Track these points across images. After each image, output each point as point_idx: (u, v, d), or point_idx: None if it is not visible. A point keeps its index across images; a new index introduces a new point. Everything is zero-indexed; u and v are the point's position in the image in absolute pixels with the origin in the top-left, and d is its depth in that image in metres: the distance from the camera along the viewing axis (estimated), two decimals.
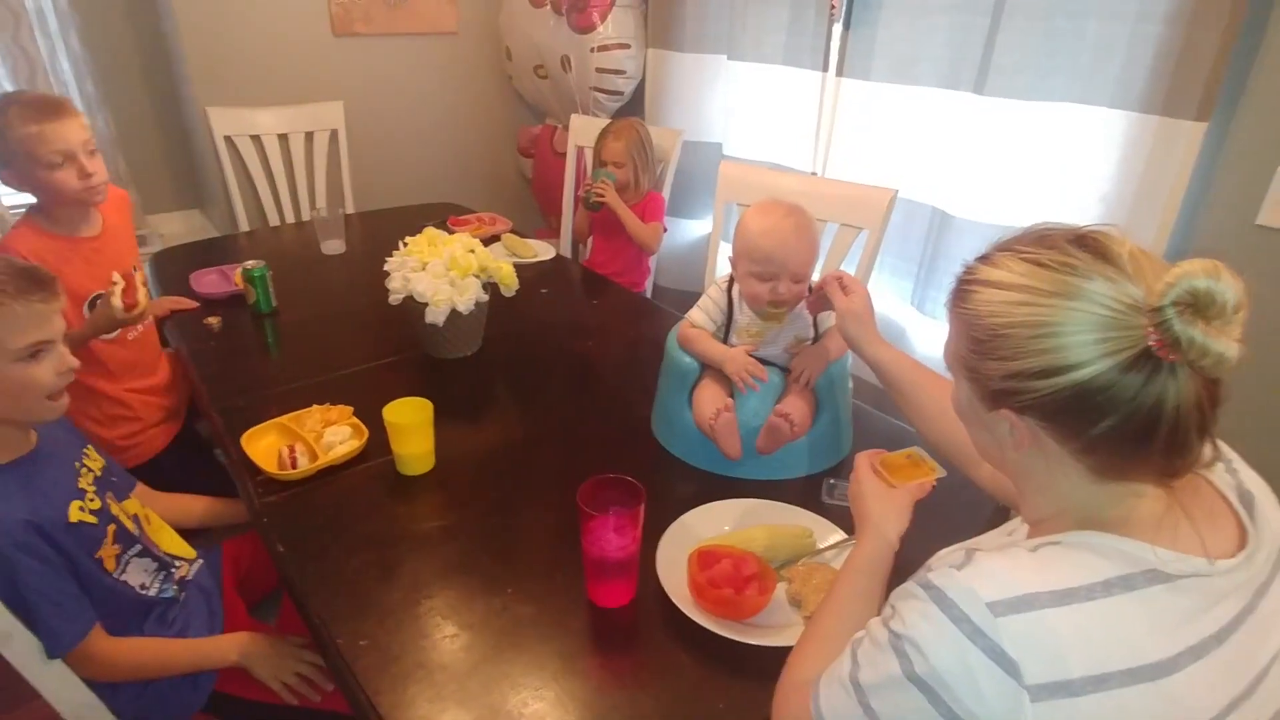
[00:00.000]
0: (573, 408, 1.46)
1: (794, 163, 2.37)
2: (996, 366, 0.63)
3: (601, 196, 2.13)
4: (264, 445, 1.23)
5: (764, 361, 1.25)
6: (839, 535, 1.05)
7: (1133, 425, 0.58)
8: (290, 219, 2.71)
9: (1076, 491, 0.64)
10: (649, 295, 2.49)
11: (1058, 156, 1.79)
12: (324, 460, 1.18)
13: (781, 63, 2.30)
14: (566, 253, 2.56)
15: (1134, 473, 0.62)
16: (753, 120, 2.45)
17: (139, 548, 1.11)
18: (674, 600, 0.93)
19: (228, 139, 2.58)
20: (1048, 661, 0.56)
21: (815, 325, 1.25)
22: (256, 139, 2.63)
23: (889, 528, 0.84)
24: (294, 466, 1.18)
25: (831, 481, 1.19)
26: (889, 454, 0.92)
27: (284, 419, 1.27)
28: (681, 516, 1.06)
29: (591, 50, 2.68)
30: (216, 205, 2.83)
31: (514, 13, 2.93)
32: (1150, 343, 0.56)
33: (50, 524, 0.98)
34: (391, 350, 1.60)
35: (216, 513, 1.34)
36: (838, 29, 2.15)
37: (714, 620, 0.90)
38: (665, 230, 2.33)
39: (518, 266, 1.62)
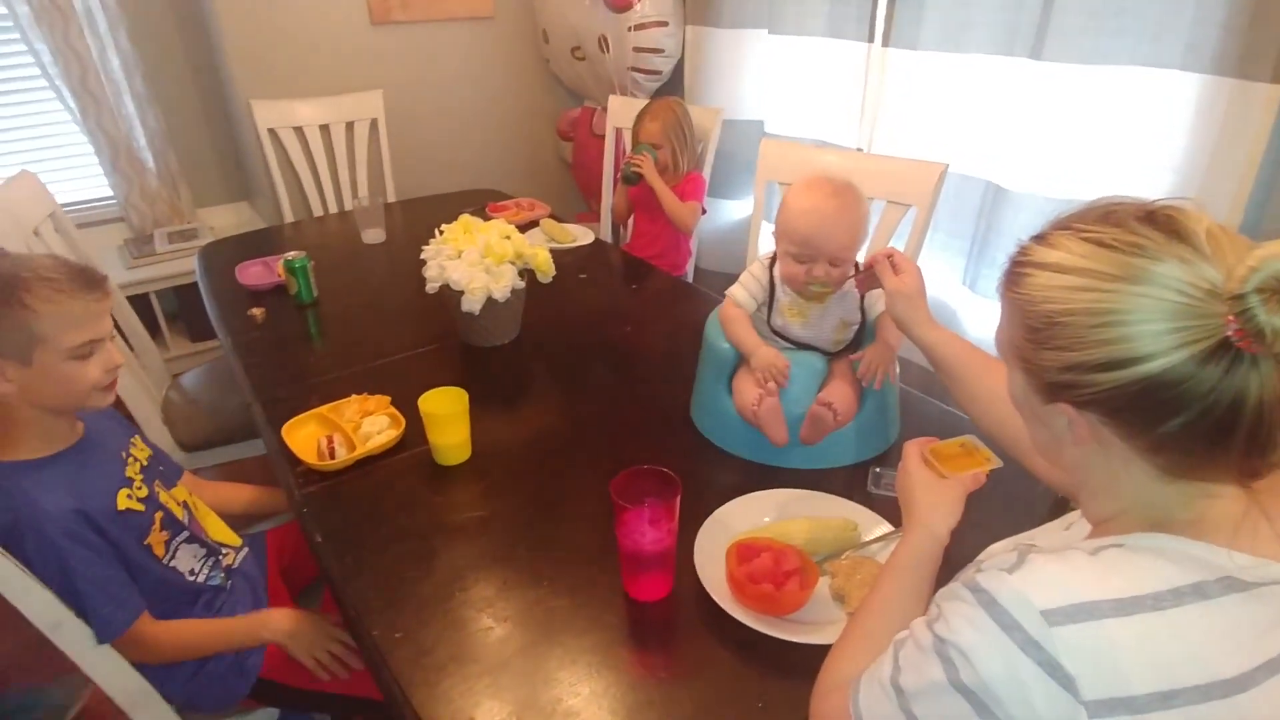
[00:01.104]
0: (611, 395, 1.43)
1: (838, 139, 2.29)
2: (1054, 357, 0.58)
3: (639, 168, 2.09)
4: (304, 435, 1.24)
5: (807, 346, 1.20)
6: (885, 528, 1.00)
7: (1208, 422, 0.53)
8: (334, 209, 2.74)
9: (1143, 491, 0.59)
10: (690, 278, 2.45)
11: (1122, 124, 1.68)
12: (362, 451, 1.18)
13: (825, 34, 2.22)
14: (607, 236, 2.53)
15: (1209, 472, 0.56)
16: (795, 96, 2.38)
17: (186, 534, 1.13)
18: (712, 594, 0.90)
19: (271, 131, 2.61)
20: (1108, 676, 0.51)
21: (863, 308, 1.20)
22: (299, 130, 2.66)
23: (938, 521, 0.79)
24: (332, 457, 1.18)
25: (878, 470, 1.14)
26: (940, 442, 0.87)
27: (323, 409, 1.28)
28: (720, 508, 1.03)
29: (629, 29, 2.63)
30: (263, 197, 2.88)
31: None
32: (1229, 333, 0.50)
33: (99, 512, 1.00)
34: (429, 339, 1.59)
35: (261, 501, 1.36)
36: None
37: (753, 616, 0.87)
38: (705, 211, 2.28)
39: (556, 252, 1.60)
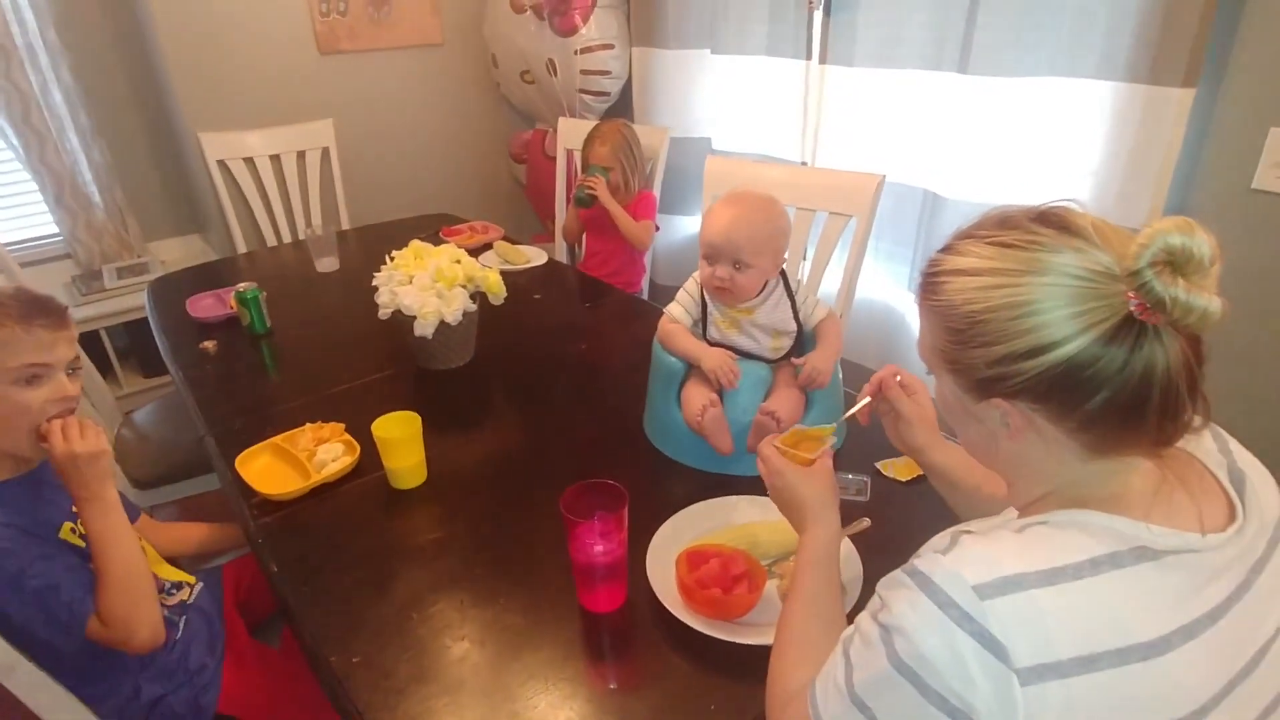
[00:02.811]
0: (566, 413, 1.45)
1: (783, 153, 2.36)
2: (981, 354, 0.61)
3: (593, 190, 2.13)
4: (258, 467, 1.24)
5: (749, 356, 1.24)
6: None
7: (1126, 394, 0.57)
8: (287, 238, 2.73)
9: (1067, 471, 0.63)
10: (645, 294, 2.48)
11: (1045, 132, 1.77)
12: (316, 479, 1.19)
13: (765, 53, 2.29)
14: (562, 257, 2.56)
15: (1130, 444, 0.61)
16: (740, 113, 2.44)
17: None
18: (664, 603, 0.92)
19: (221, 163, 2.60)
20: (1036, 643, 0.54)
21: (798, 318, 1.24)
22: (249, 161, 2.65)
23: (829, 510, 0.83)
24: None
25: None
26: (782, 435, 0.90)
27: (277, 439, 1.28)
28: (670, 518, 1.06)
29: (576, 52, 2.68)
30: (214, 229, 2.86)
31: (497, 20, 2.93)
32: (1131, 308, 0.56)
33: (37, 531, 0.99)
34: (384, 365, 1.60)
35: (214, 539, 1.35)
36: (818, 16, 2.14)
37: (704, 621, 0.90)
38: (658, 228, 2.32)
39: (510, 273, 1.63)
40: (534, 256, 2.17)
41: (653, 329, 1.78)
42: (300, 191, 2.74)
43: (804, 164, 2.33)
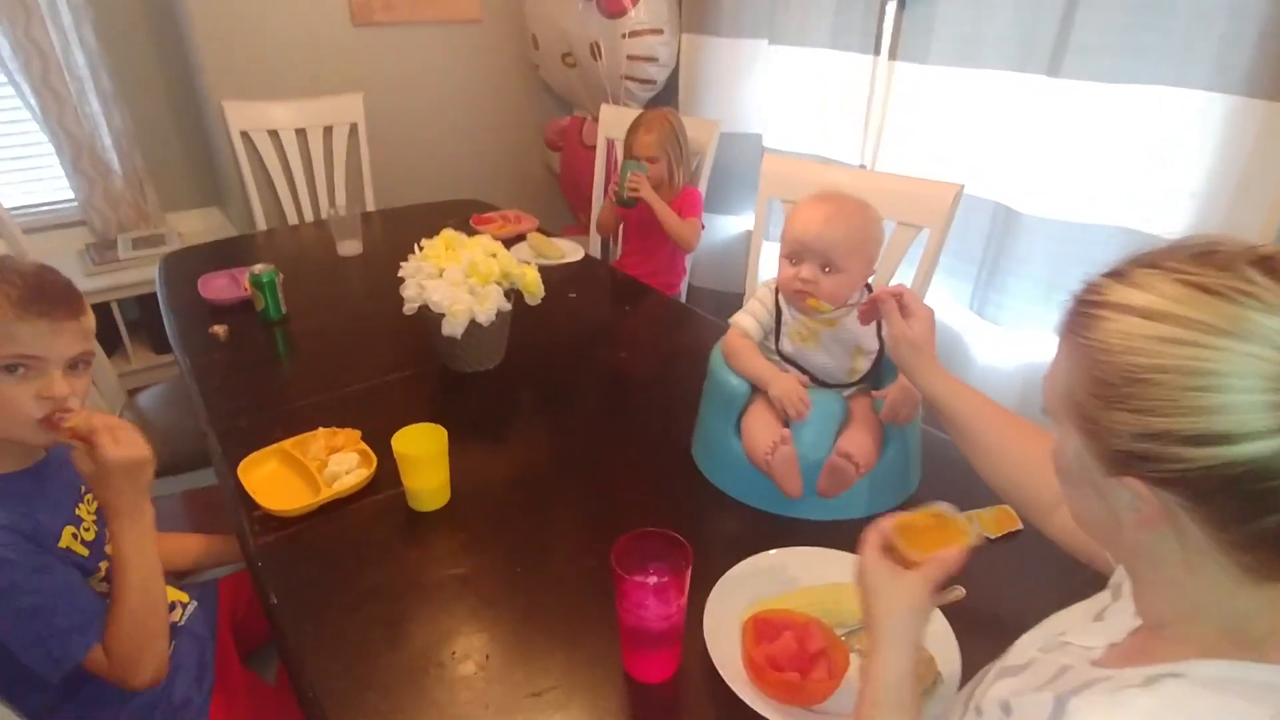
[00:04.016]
0: (604, 430, 1.31)
1: (840, 154, 2.20)
2: (1131, 421, 0.48)
3: (636, 191, 1.98)
4: (263, 475, 1.11)
5: (820, 382, 1.09)
6: None
7: None
8: (309, 217, 2.61)
9: (1217, 594, 0.49)
10: (684, 297, 2.34)
11: (1143, 146, 1.60)
12: (327, 494, 1.06)
13: (829, 46, 2.13)
14: (595, 251, 2.42)
15: None
16: (796, 109, 2.28)
17: None
18: (725, 678, 0.78)
19: (244, 134, 2.48)
20: None
21: (881, 336, 1.09)
22: (274, 134, 2.52)
23: (901, 631, 0.66)
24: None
25: None
26: (908, 515, 0.74)
27: (285, 444, 1.15)
28: (731, 569, 0.92)
29: (623, 36, 2.53)
30: (235, 203, 2.75)
31: None
32: None
33: (37, 537, 0.87)
34: (406, 363, 1.47)
35: (214, 552, 1.22)
36: (891, 8, 1.98)
37: (771, 705, 0.76)
38: (704, 227, 2.17)
39: (543, 269, 1.48)
40: (569, 251, 2.03)
41: (698, 339, 1.64)
42: (325, 168, 2.61)
43: (862, 167, 2.17)
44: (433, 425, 1.06)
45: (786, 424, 1.04)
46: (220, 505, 1.21)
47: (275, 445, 1.15)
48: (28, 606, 0.83)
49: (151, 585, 0.92)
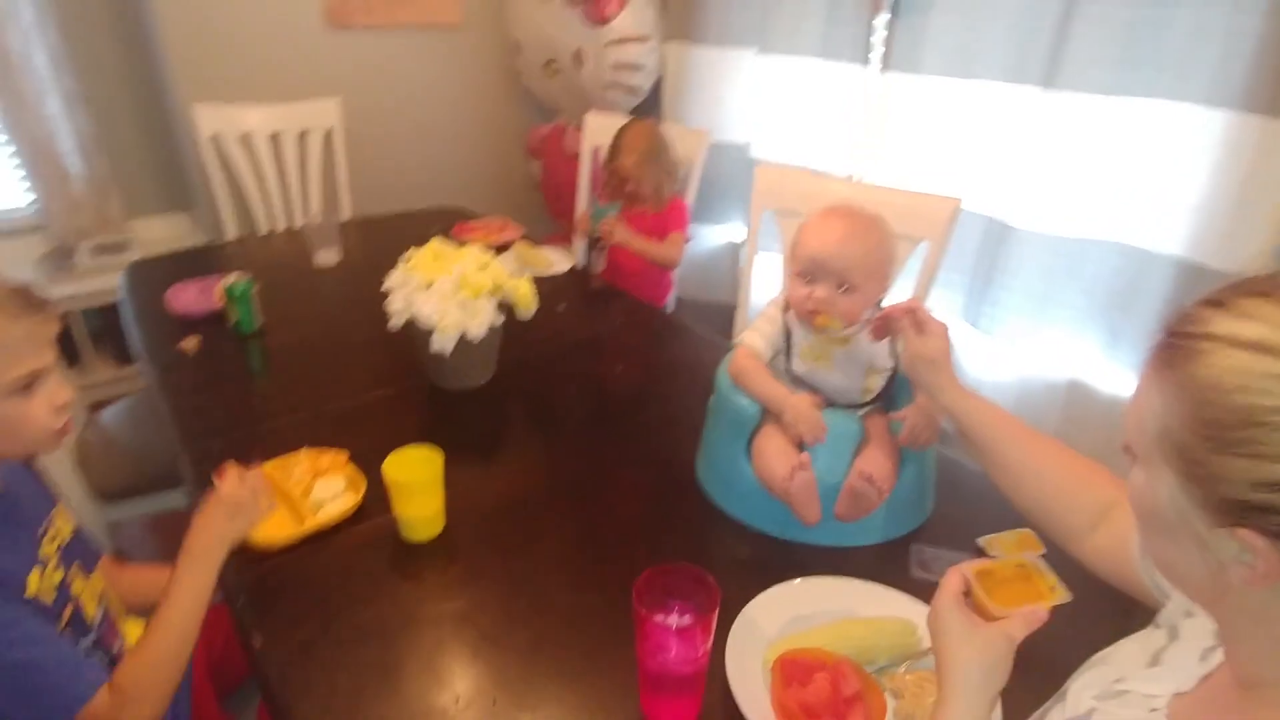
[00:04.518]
0: (603, 450, 1.26)
1: (829, 165, 2.18)
2: (1246, 468, 0.44)
3: (608, 237, 1.91)
4: None
5: (832, 402, 1.05)
6: None
7: None
8: (282, 225, 2.51)
9: None
10: (671, 309, 2.30)
11: (1139, 160, 1.60)
12: (313, 523, 0.99)
13: (818, 55, 2.11)
14: (580, 258, 2.36)
15: None
16: (784, 119, 2.26)
17: (93, 637, 0.91)
18: None
19: (214, 138, 2.38)
20: None
21: (894, 354, 1.05)
22: (245, 138, 2.42)
23: (977, 686, 0.61)
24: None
25: (920, 548, 1.00)
26: (992, 562, 0.70)
27: (267, 467, 1.07)
28: (751, 603, 0.87)
29: (607, 44, 2.49)
30: (203, 209, 2.64)
31: (522, 4, 2.74)
32: None
33: (4, 587, 0.79)
34: (391, 379, 1.40)
35: None
36: (883, 18, 1.96)
37: None
38: (689, 239, 2.13)
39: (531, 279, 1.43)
40: (557, 261, 1.97)
41: (694, 351, 1.59)
42: (299, 175, 2.52)
43: (850, 177, 2.15)
44: (427, 448, 1.00)
45: (802, 447, 0.99)
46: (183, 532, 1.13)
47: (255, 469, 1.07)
48: (13, 664, 0.76)
49: (189, 635, 0.86)
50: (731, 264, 2.63)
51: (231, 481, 0.93)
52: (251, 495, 0.94)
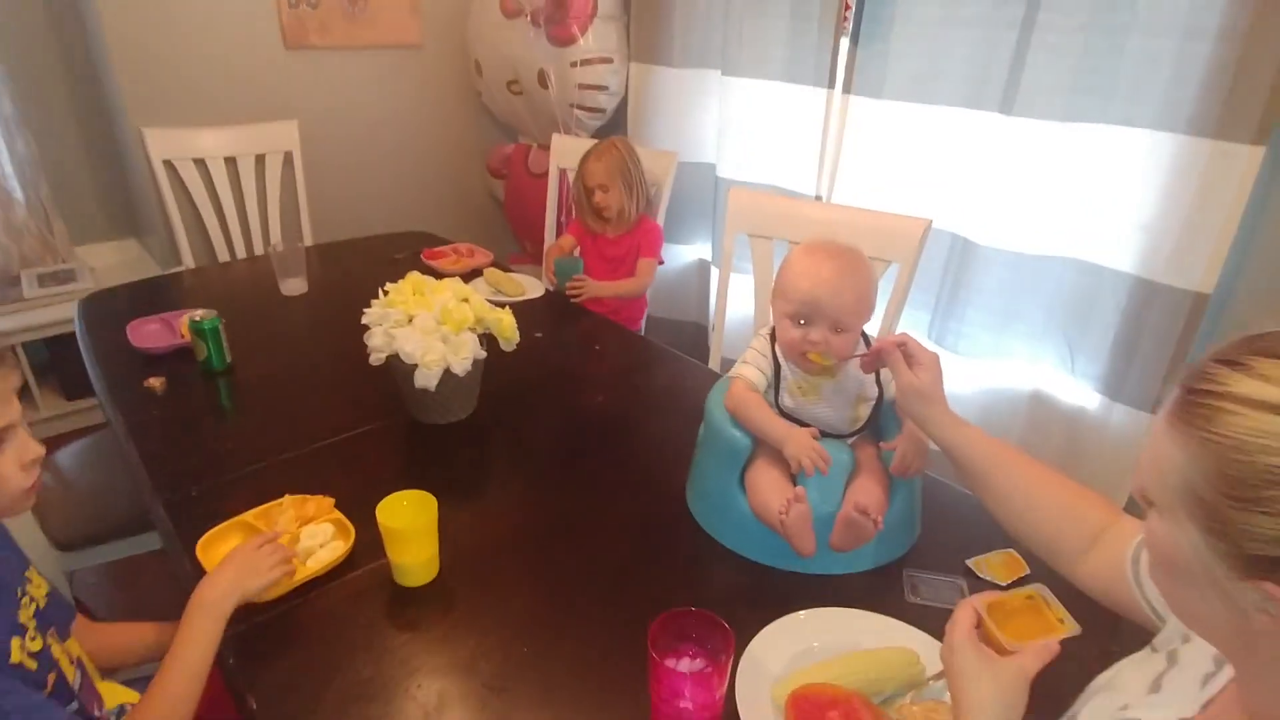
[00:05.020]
0: (592, 482, 1.25)
1: (796, 186, 2.21)
2: (1272, 525, 0.45)
3: (578, 296, 1.91)
4: (225, 551, 1.00)
5: (825, 434, 1.06)
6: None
7: None
8: (241, 252, 2.45)
9: None
10: (643, 330, 2.31)
11: (1094, 181, 1.66)
12: (303, 574, 0.96)
13: (782, 79, 2.15)
14: (546, 279, 2.35)
15: None
16: (749, 140, 2.29)
17: (75, 706, 0.87)
18: None
19: (167, 163, 2.31)
20: None
21: (880, 382, 1.08)
22: (200, 163, 2.37)
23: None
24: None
25: (913, 574, 1.02)
26: (1000, 595, 0.71)
27: (249, 516, 1.04)
28: (756, 637, 0.87)
29: (572, 65, 2.49)
30: (156, 236, 2.56)
31: (484, 24, 2.72)
32: None
33: None
34: (370, 415, 1.37)
35: (166, 644, 1.08)
36: (845, 43, 2.01)
37: None
38: (662, 262, 2.14)
39: (503, 306, 1.42)
40: (530, 287, 1.96)
41: (676, 378, 1.60)
42: (258, 200, 2.47)
43: (818, 198, 2.19)
44: (420, 493, 0.98)
45: (795, 479, 1.01)
46: (152, 577, 1.09)
47: (237, 518, 1.04)
48: None
49: (194, 691, 0.85)
50: (700, 283, 2.65)
51: (254, 543, 0.94)
52: (271, 558, 0.93)
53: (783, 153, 2.22)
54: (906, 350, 0.92)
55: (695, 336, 2.69)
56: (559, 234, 2.48)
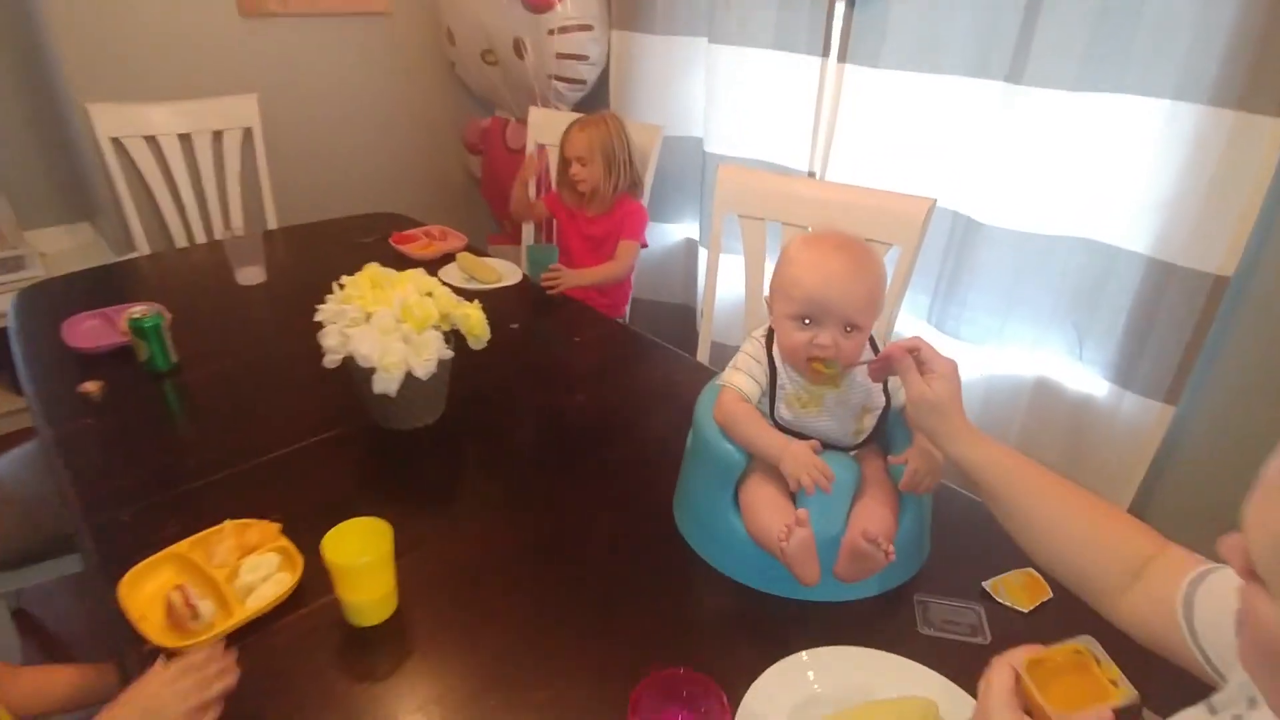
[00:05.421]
0: (571, 494, 1.14)
1: (788, 161, 2.09)
2: None
3: (554, 288, 1.76)
4: (155, 591, 0.89)
5: (828, 446, 0.96)
6: (964, 700, 0.78)
7: None
8: (200, 237, 2.31)
9: None
10: (628, 316, 2.19)
11: (1109, 156, 1.55)
12: (241, 615, 0.85)
13: (773, 47, 2.01)
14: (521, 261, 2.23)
15: None
16: (739, 112, 2.16)
17: None
18: None
19: (116, 141, 2.15)
20: None
21: (887, 390, 0.97)
22: (152, 140, 2.21)
23: None
24: (194, 615, 0.84)
25: (924, 601, 0.92)
26: (1043, 650, 0.61)
27: (182, 547, 0.93)
28: (754, 689, 0.77)
29: (550, 33, 2.34)
30: (107, 218, 2.40)
31: None
32: None
33: None
34: (329, 421, 1.26)
35: (89, 686, 0.99)
36: (840, 8, 1.87)
37: None
38: (645, 245, 2.02)
39: (479, 295, 1.30)
40: (506, 273, 1.83)
41: (663, 374, 1.49)
42: (216, 180, 2.31)
43: (811, 174, 2.07)
44: (372, 521, 0.87)
45: (794, 498, 0.90)
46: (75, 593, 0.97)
47: (169, 550, 0.93)
48: None
49: None
50: (687, 263, 2.53)
51: (174, 670, 0.76)
52: (192, 697, 0.74)
53: (774, 126, 2.10)
54: (919, 357, 0.82)
55: (683, 320, 2.58)
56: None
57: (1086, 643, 0.61)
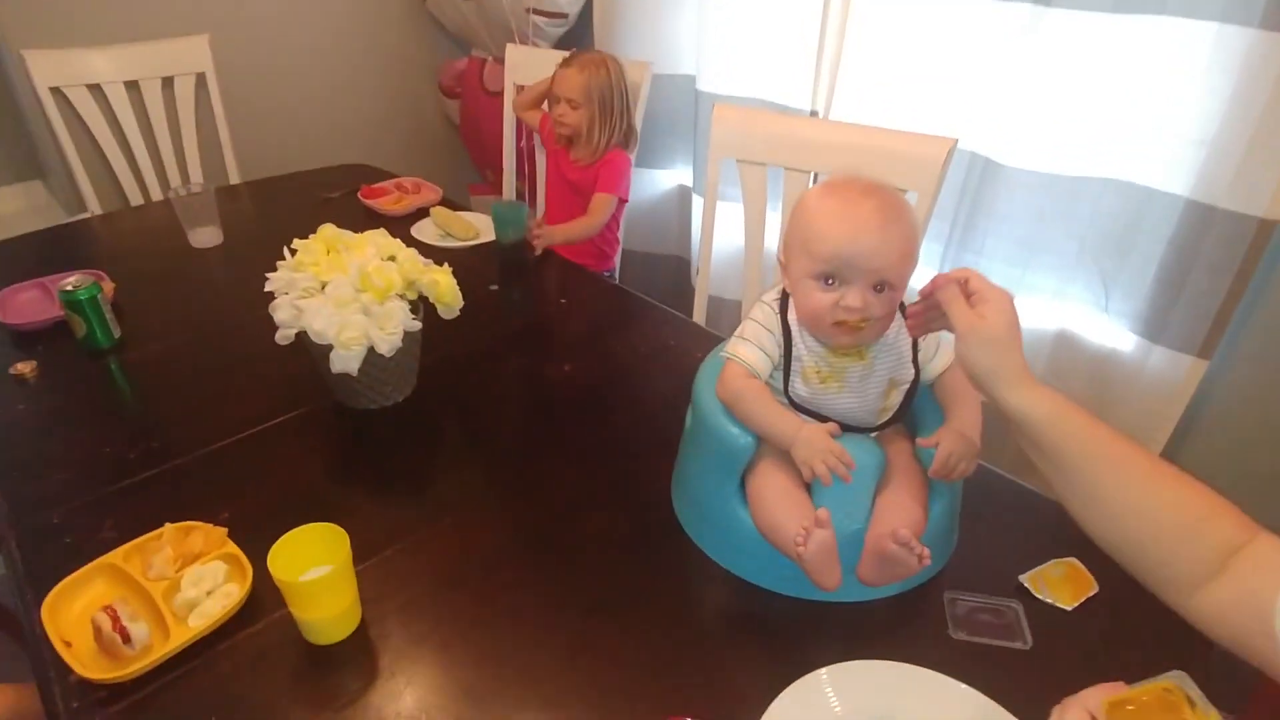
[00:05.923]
0: (558, 479, 1.03)
1: (789, 100, 1.93)
2: None
3: (538, 241, 1.59)
4: (82, 610, 0.78)
5: (848, 427, 0.84)
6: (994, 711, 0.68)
7: None
8: (156, 194, 2.15)
9: None
10: (617, 269, 2.06)
11: (1146, 88, 1.40)
12: (180, 639, 0.74)
13: None
14: (510, 189, 2.08)
15: None
16: (734, 47, 1.98)
17: None
18: None
19: (56, 90, 1.97)
20: None
21: (916, 361, 0.85)
22: (96, 89, 2.03)
23: None
24: (125, 640, 0.73)
25: (955, 598, 0.82)
26: (1129, 689, 0.52)
27: (116, 556, 0.82)
28: (771, 712, 0.67)
29: None
30: (58, 177, 2.23)
31: None
32: None
33: None
34: (289, 400, 1.14)
35: (15, 709, 0.89)
36: None
37: None
38: (625, 200, 1.87)
39: (455, 252, 1.17)
40: (484, 229, 1.69)
41: (657, 339, 1.37)
42: (170, 132, 2.14)
43: (814, 113, 1.91)
44: (327, 528, 0.76)
45: (809, 489, 0.79)
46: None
47: (101, 560, 0.82)
48: None
49: None
50: (681, 212, 2.38)
51: None
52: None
53: (773, 61, 1.92)
54: (968, 288, 0.69)
55: (676, 272, 2.44)
56: (519, 161, 2.20)
57: (1178, 679, 0.51)
